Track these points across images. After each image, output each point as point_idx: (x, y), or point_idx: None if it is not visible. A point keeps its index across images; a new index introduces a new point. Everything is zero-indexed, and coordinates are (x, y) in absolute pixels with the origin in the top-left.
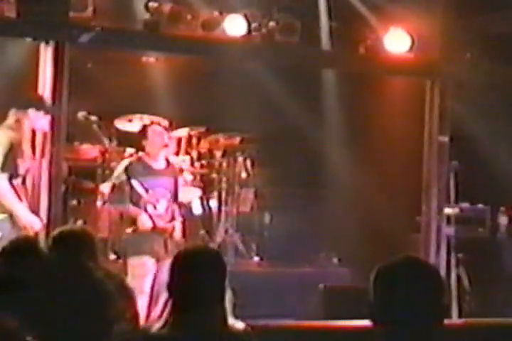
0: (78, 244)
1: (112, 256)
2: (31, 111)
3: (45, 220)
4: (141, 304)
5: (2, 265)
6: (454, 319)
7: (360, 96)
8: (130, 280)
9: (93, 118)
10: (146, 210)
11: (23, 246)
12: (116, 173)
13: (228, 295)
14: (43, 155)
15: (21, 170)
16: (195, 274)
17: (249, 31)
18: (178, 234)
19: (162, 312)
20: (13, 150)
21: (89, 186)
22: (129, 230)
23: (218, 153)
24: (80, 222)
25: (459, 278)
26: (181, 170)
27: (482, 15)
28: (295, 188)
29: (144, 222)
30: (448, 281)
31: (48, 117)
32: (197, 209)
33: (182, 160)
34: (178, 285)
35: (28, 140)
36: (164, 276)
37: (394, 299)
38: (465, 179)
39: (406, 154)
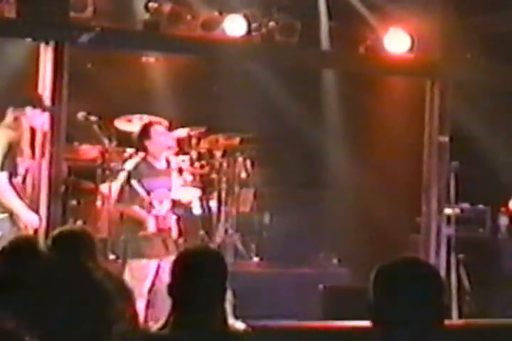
0: (78, 244)
1: (112, 257)
2: (28, 109)
3: (44, 220)
4: (139, 306)
5: (2, 265)
6: (454, 319)
7: (360, 96)
8: (129, 282)
9: (93, 118)
10: (149, 212)
11: (22, 246)
12: (122, 174)
13: (228, 296)
14: (42, 155)
15: (21, 169)
16: (196, 275)
17: (249, 31)
18: (175, 232)
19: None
20: (13, 149)
21: (88, 186)
22: (141, 233)
23: (218, 153)
24: (79, 222)
25: (459, 279)
26: (181, 170)
27: (482, 15)
28: (295, 188)
29: (151, 225)
30: (448, 282)
31: (46, 115)
32: (196, 210)
33: (182, 161)
34: (179, 285)
35: (27, 138)
36: (167, 275)
37: (394, 299)
38: (465, 179)
39: (406, 154)
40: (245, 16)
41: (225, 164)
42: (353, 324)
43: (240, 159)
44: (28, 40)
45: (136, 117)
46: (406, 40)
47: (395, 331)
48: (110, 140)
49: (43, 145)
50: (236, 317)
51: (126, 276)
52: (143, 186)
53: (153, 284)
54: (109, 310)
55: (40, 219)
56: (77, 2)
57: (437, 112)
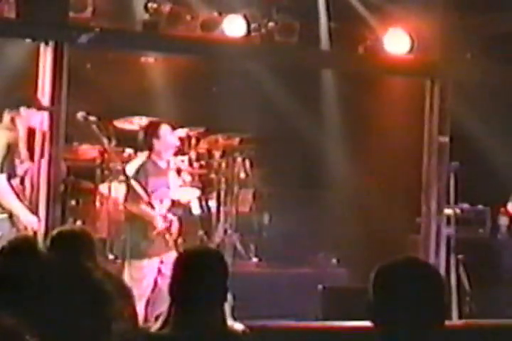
0: (77, 244)
1: (111, 256)
2: (22, 110)
3: (44, 220)
4: (139, 306)
5: (1, 265)
6: (454, 320)
7: (360, 96)
8: (128, 282)
9: (92, 118)
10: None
11: (21, 246)
12: (130, 173)
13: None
14: (42, 155)
15: (19, 171)
16: (197, 275)
17: (249, 32)
18: (174, 230)
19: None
20: (11, 151)
21: (88, 186)
22: (151, 233)
23: (217, 154)
24: (78, 222)
25: (458, 279)
26: (180, 171)
27: (482, 15)
28: (294, 189)
29: (160, 224)
30: (448, 282)
31: (43, 114)
32: (196, 210)
33: (181, 161)
34: (179, 285)
35: (24, 139)
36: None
37: (394, 299)
38: (465, 179)
39: (406, 154)
40: (245, 17)
41: (224, 164)
42: (352, 324)
43: (239, 159)
44: (28, 40)
45: (136, 119)
46: (405, 41)
47: (395, 331)
48: (109, 140)
49: (42, 146)
50: (235, 317)
51: (126, 276)
52: (147, 185)
53: (155, 282)
54: (108, 310)
55: (39, 220)
56: (77, 2)
57: (437, 112)
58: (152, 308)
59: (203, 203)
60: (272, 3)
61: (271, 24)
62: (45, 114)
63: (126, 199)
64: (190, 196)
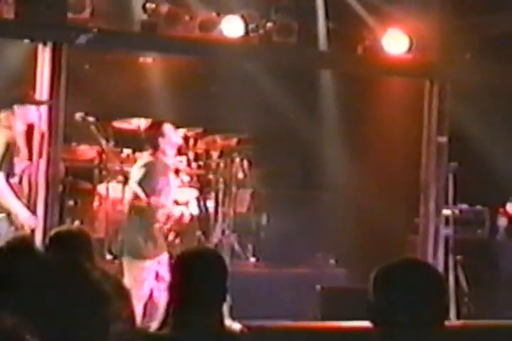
0: (75, 244)
1: (109, 257)
2: (16, 107)
3: (42, 220)
4: (139, 306)
5: None
6: (452, 321)
7: (358, 97)
8: (129, 282)
9: (90, 119)
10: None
11: (19, 246)
12: (139, 172)
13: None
14: (40, 155)
15: (17, 170)
16: (196, 276)
17: (247, 32)
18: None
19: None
20: (10, 149)
21: (86, 187)
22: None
23: (215, 154)
24: (76, 222)
25: (456, 280)
26: (178, 171)
27: (480, 16)
28: (292, 189)
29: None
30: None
31: (39, 109)
32: (194, 210)
33: (179, 161)
34: (178, 286)
35: (22, 137)
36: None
37: (394, 300)
38: (464, 180)
39: (404, 155)
40: (243, 17)
41: (222, 165)
42: (350, 324)
43: (237, 160)
44: (26, 41)
45: (134, 119)
46: (404, 41)
47: (396, 332)
48: (107, 140)
49: (40, 146)
50: (233, 317)
51: (128, 277)
52: (157, 184)
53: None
54: (106, 311)
55: (38, 219)
56: (75, 3)
57: (436, 113)
58: (151, 309)
59: (201, 203)
60: (270, 3)
61: (269, 24)
62: (43, 111)
63: (135, 197)
64: (188, 196)
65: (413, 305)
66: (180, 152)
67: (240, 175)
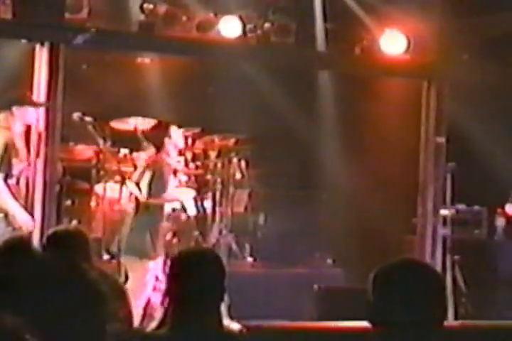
0: (72, 244)
1: (106, 256)
2: (14, 109)
3: (39, 220)
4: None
5: None
6: (450, 321)
7: (356, 97)
8: (134, 284)
9: (88, 119)
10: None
11: (16, 246)
12: (148, 172)
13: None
14: (37, 155)
15: (15, 171)
16: (194, 276)
17: (245, 33)
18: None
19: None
20: (8, 151)
21: (83, 186)
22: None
23: (213, 154)
24: (74, 222)
25: (454, 280)
26: (176, 171)
27: (478, 16)
28: (290, 189)
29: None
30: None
31: (38, 111)
32: (191, 210)
33: (177, 161)
34: (176, 286)
35: (21, 138)
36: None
37: (393, 300)
38: (462, 180)
39: (402, 155)
40: (240, 18)
41: (219, 165)
42: (347, 324)
43: (235, 160)
44: (24, 41)
45: (131, 119)
46: (402, 42)
47: (394, 332)
48: (105, 140)
49: (38, 146)
50: (231, 317)
51: (131, 278)
52: (167, 183)
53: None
54: (104, 311)
55: (35, 220)
56: (73, 3)
57: (434, 113)
58: (152, 309)
59: (199, 203)
60: (268, 4)
61: (267, 25)
62: (41, 112)
63: (149, 195)
64: (186, 196)
65: (412, 306)
66: (178, 152)
67: (238, 175)
